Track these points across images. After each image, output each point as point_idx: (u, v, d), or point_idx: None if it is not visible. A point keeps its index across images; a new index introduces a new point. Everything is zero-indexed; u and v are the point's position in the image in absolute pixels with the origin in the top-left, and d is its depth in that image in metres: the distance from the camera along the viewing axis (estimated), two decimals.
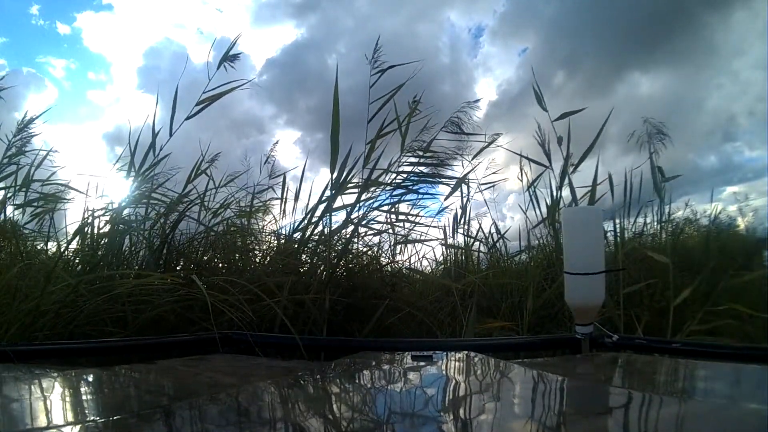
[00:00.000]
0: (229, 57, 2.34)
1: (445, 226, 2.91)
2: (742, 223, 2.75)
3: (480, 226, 2.93)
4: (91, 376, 0.81)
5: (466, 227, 2.85)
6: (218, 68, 2.32)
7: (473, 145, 2.78)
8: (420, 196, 2.46)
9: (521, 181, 2.74)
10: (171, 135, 2.23)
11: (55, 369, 0.85)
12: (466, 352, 0.89)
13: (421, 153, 2.47)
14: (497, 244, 2.81)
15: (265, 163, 3.04)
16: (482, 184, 2.92)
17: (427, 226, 2.51)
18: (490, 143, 2.84)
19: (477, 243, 2.89)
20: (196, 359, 0.99)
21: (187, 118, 2.29)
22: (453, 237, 2.90)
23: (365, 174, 2.26)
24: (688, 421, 0.48)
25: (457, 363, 0.82)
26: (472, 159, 2.83)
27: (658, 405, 0.54)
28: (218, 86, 2.31)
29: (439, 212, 2.79)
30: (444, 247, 2.80)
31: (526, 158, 2.71)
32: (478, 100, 2.67)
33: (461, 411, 0.54)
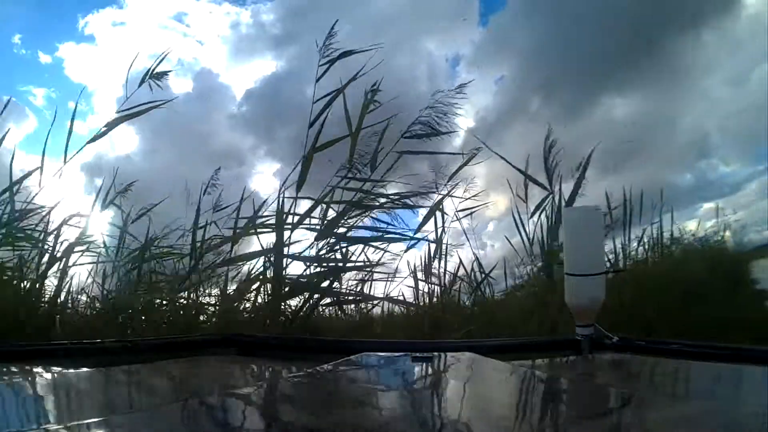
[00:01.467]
0: (154, 75, 2.31)
1: (414, 267, 2.71)
2: (726, 238, 2.76)
3: (460, 262, 2.74)
4: (91, 376, 0.81)
5: (441, 264, 2.64)
6: (140, 86, 2.30)
7: (449, 166, 2.71)
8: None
9: (522, 200, 2.67)
10: None
11: (53, 369, 0.85)
12: (466, 353, 0.89)
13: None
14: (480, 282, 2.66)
15: (204, 193, 2.81)
16: (460, 211, 2.79)
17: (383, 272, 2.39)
18: (468, 159, 2.77)
19: (458, 281, 2.71)
20: (197, 360, 0.99)
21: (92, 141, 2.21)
22: (426, 277, 2.70)
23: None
24: (688, 422, 0.48)
25: (457, 364, 0.82)
26: (449, 180, 2.74)
27: (658, 406, 0.54)
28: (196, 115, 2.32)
29: (409, 248, 2.66)
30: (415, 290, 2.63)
31: (527, 176, 2.65)
32: (464, 84, 2.61)
33: (461, 412, 0.54)
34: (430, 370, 0.76)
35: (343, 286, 2.28)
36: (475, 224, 2.81)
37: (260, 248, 2.21)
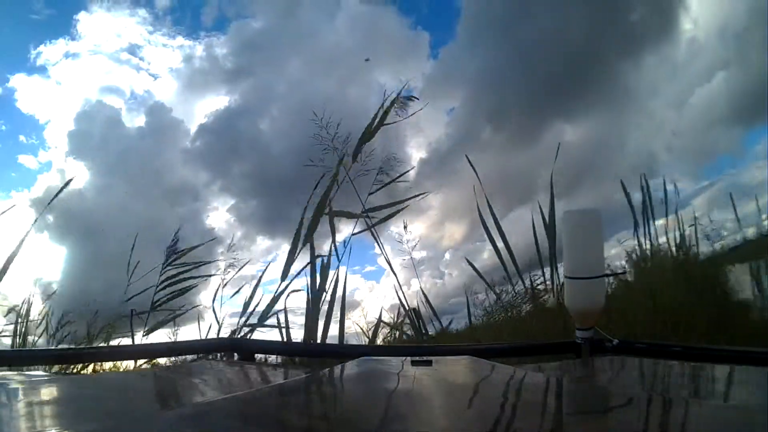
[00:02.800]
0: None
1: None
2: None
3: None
4: (94, 381, 0.81)
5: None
6: None
7: (408, 204, 2.69)
8: None
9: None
10: None
11: (54, 374, 0.85)
12: (466, 357, 0.89)
13: None
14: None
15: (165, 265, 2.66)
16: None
17: None
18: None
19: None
20: (199, 364, 0.99)
21: None
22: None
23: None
24: (689, 424, 0.49)
25: (457, 368, 0.82)
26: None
27: (659, 408, 0.55)
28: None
29: None
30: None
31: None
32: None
33: (461, 416, 0.54)
34: (429, 374, 0.76)
35: None
36: (431, 255, 2.81)
37: None
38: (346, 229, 2.45)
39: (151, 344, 1.14)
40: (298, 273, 2.14)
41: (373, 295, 2.81)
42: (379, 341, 2.50)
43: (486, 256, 2.61)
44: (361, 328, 2.52)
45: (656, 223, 2.80)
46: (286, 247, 2.22)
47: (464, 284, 2.71)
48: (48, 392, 0.72)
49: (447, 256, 3.27)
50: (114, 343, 2.37)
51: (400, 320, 2.57)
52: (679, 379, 0.87)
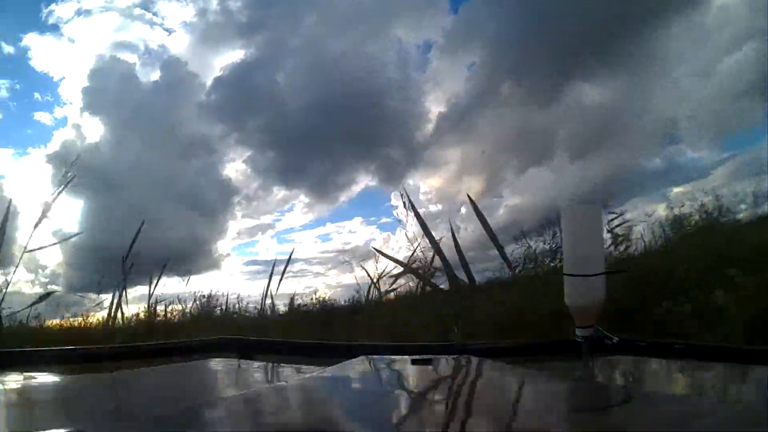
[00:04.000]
0: None
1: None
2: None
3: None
4: (92, 381, 0.81)
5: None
6: None
7: (425, 158, 2.75)
8: None
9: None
10: None
11: (54, 375, 0.85)
12: (466, 355, 0.89)
13: None
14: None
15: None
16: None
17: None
18: None
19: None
20: (197, 363, 0.99)
21: None
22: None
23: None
24: (689, 422, 0.48)
25: (457, 366, 0.81)
26: None
27: (659, 406, 0.54)
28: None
29: None
30: None
31: None
32: None
33: (461, 414, 0.53)
34: (430, 373, 0.75)
35: None
36: (447, 208, 2.84)
37: None
38: (362, 180, 2.49)
39: (149, 344, 1.14)
40: None
41: (388, 246, 2.86)
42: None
43: (501, 212, 2.61)
44: (371, 279, 2.57)
45: (674, 190, 2.74)
46: (302, 197, 2.28)
47: (479, 238, 2.71)
48: (44, 391, 0.72)
49: (463, 210, 3.27)
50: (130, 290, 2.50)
51: (429, 267, 2.63)
52: (679, 377, 0.86)
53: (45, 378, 0.80)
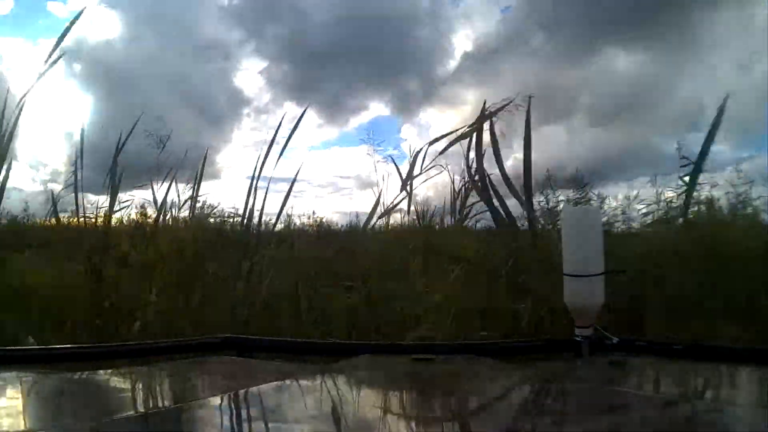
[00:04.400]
0: None
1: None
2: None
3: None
4: (91, 379, 0.81)
5: None
6: None
7: (442, 94, 2.75)
8: None
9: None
10: None
11: (54, 372, 0.85)
12: (466, 354, 0.89)
13: None
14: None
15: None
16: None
17: None
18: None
19: None
20: (196, 362, 0.99)
21: None
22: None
23: None
24: (689, 422, 0.48)
25: (457, 366, 0.82)
26: None
27: (659, 406, 0.54)
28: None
29: None
30: None
31: None
32: None
33: (462, 413, 0.54)
34: (430, 372, 0.76)
35: None
36: (457, 149, 2.80)
37: None
38: (374, 107, 2.47)
39: (147, 343, 1.15)
40: None
41: (391, 178, 2.79)
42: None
43: (509, 164, 2.56)
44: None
45: (686, 178, 2.68)
46: (313, 116, 2.28)
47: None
48: (41, 389, 0.72)
49: (471, 154, 3.21)
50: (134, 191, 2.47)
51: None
52: (679, 378, 0.86)
53: (42, 376, 0.80)
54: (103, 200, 2.58)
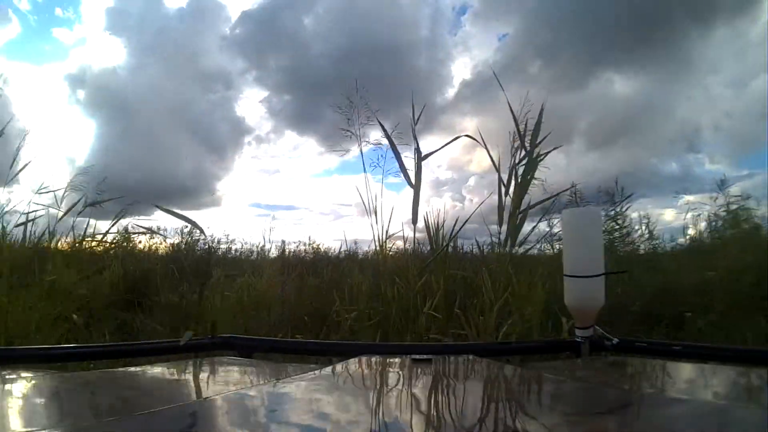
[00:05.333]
0: None
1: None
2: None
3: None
4: (90, 379, 0.81)
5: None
6: None
7: (441, 122, 2.78)
8: None
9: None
10: None
11: (52, 372, 0.85)
12: (466, 355, 0.89)
13: None
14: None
15: None
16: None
17: None
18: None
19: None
20: (195, 362, 0.99)
21: None
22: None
23: None
24: (689, 423, 0.48)
25: (457, 366, 0.81)
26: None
27: (659, 407, 0.54)
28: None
29: None
30: None
31: None
32: None
33: (461, 413, 0.53)
34: (430, 372, 0.75)
35: None
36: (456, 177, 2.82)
37: None
38: (374, 136, 2.50)
39: (146, 342, 1.14)
40: None
41: (391, 206, 2.80)
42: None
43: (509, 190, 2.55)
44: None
45: (684, 198, 2.69)
46: (313, 144, 2.32)
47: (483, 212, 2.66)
48: (39, 389, 0.72)
49: (471, 181, 3.23)
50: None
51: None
52: (679, 379, 0.86)
53: (40, 376, 0.80)
54: (106, 225, 2.64)
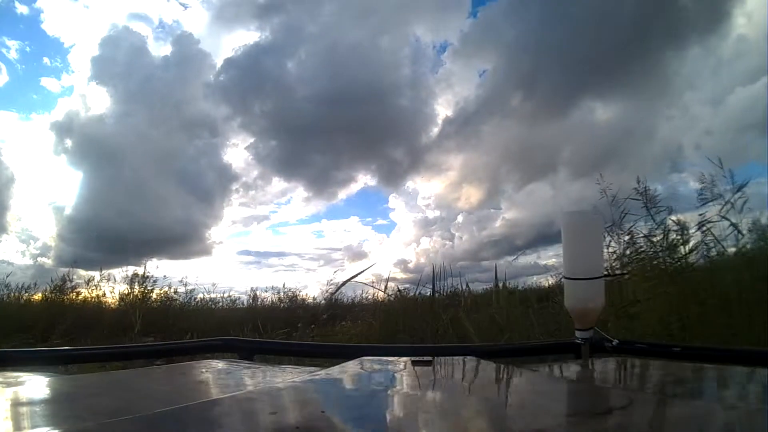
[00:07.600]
0: None
1: None
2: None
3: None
4: (92, 380, 0.81)
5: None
6: None
7: (427, 162, 2.78)
8: None
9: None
10: None
11: (53, 374, 0.85)
12: (466, 357, 0.89)
13: None
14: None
15: None
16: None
17: None
18: None
19: None
20: (197, 364, 0.99)
21: None
22: None
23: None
24: (689, 423, 0.49)
25: (457, 368, 0.82)
26: None
27: (658, 407, 0.55)
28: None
29: None
30: None
31: None
32: None
33: (462, 415, 0.54)
34: (430, 374, 0.76)
35: None
36: (444, 215, 2.83)
37: None
38: (361, 179, 2.52)
39: (149, 345, 1.15)
40: None
41: (381, 248, 2.86)
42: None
43: (498, 224, 2.59)
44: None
45: (671, 217, 2.67)
46: (300, 190, 2.30)
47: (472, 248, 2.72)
48: (42, 391, 0.72)
49: (460, 218, 3.25)
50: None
51: None
52: (678, 380, 0.87)
53: (43, 377, 0.80)
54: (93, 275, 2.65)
